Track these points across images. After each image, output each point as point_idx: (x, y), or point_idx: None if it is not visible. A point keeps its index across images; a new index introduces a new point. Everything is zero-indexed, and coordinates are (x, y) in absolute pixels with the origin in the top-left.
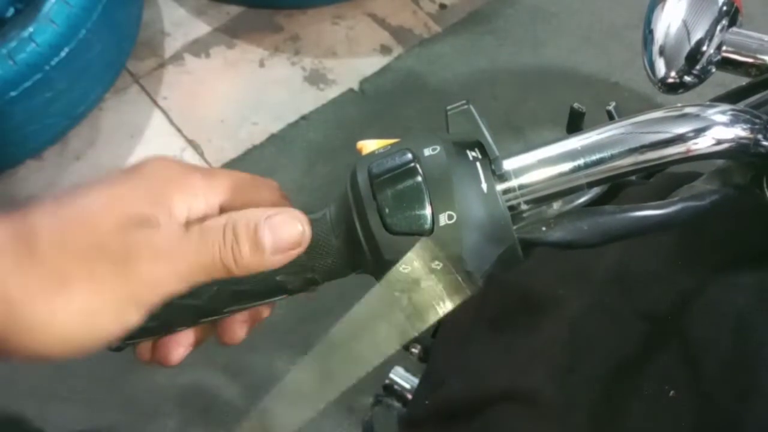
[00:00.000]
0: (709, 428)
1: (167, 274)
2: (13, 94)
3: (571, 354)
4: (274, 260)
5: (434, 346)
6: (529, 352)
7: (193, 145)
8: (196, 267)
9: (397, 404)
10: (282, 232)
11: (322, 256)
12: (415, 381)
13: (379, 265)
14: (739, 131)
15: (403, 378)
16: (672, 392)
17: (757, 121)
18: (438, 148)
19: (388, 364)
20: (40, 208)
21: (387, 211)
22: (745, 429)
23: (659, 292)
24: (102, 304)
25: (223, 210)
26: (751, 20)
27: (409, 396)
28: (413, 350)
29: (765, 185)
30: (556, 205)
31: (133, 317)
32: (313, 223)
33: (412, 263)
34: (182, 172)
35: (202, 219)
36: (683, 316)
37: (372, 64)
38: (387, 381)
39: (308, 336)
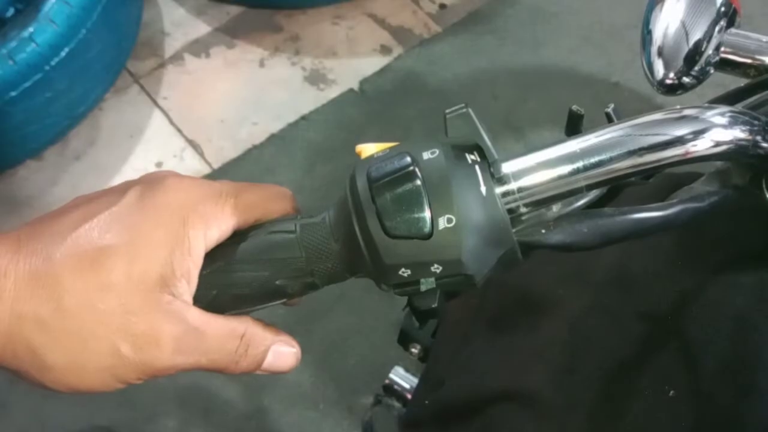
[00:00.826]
0: (708, 428)
1: (180, 363)
2: (13, 94)
3: (571, 354)
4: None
5: (434, 346)
6: (529, 352)
7: (193, 144)
8: (203, 361)
9: (397, 404)
10: (281, 363)
11: (321, 260)
12: (415, 381)
13: (378, 268)
14: (737, 133)
15: (403, 378)
16: (672, 392)
17: (756, 122)
18: (437, 151)
19: (386, 364)
20: (61, 247)
21: (386, 214)
22: (745, 429)
23: (659, 292)
24: (111, 374)
25: (235, 230)
26: (750, 20)
27: (409, 396)
28: (413, 350)
29: (764, 186)
30: (556, 208)
31: (128, 382)
32: (313, 227)
33: (412, 267)
34: (195, 200)
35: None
36: (683, 317)
37: (372, 64)
38: (387, 381)
39: (308, 336)
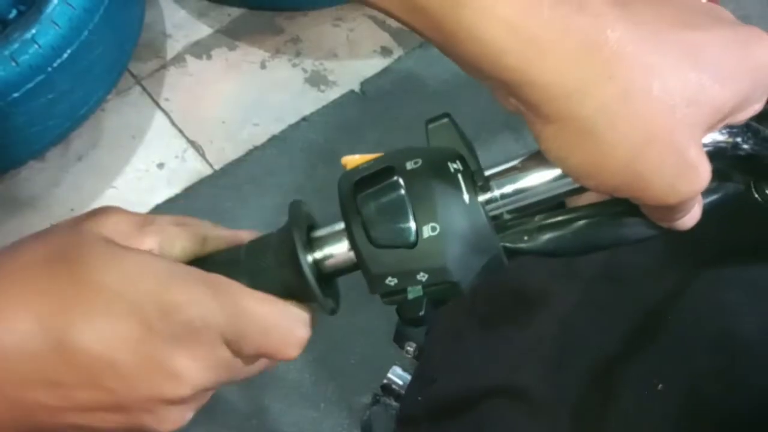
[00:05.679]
0: (696, 421)
1: None
2: (15, 95)
3: (561, 349)
4: None
5: (427, 344)
6: (520, 348)
7: (195, 146)
8: None
9: (395, 403)
10: None
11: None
12: None
13: (365, 278)
14: (716, 135)
15: (401, 378)
16: (660, 386)
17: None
18: (420, 161)
19: (387, 364)
20: None
21: (371, 224)
22: (732, 422)
23: (648, 287)
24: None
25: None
26: (748, 21)
27: None
28: (408, 348)
29: (752, 184)
30: (539, 215)
31: None
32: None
33: (398, 276)
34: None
35: None
36: (671, 311)
37: (372, 65)
38: (385, 381)
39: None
